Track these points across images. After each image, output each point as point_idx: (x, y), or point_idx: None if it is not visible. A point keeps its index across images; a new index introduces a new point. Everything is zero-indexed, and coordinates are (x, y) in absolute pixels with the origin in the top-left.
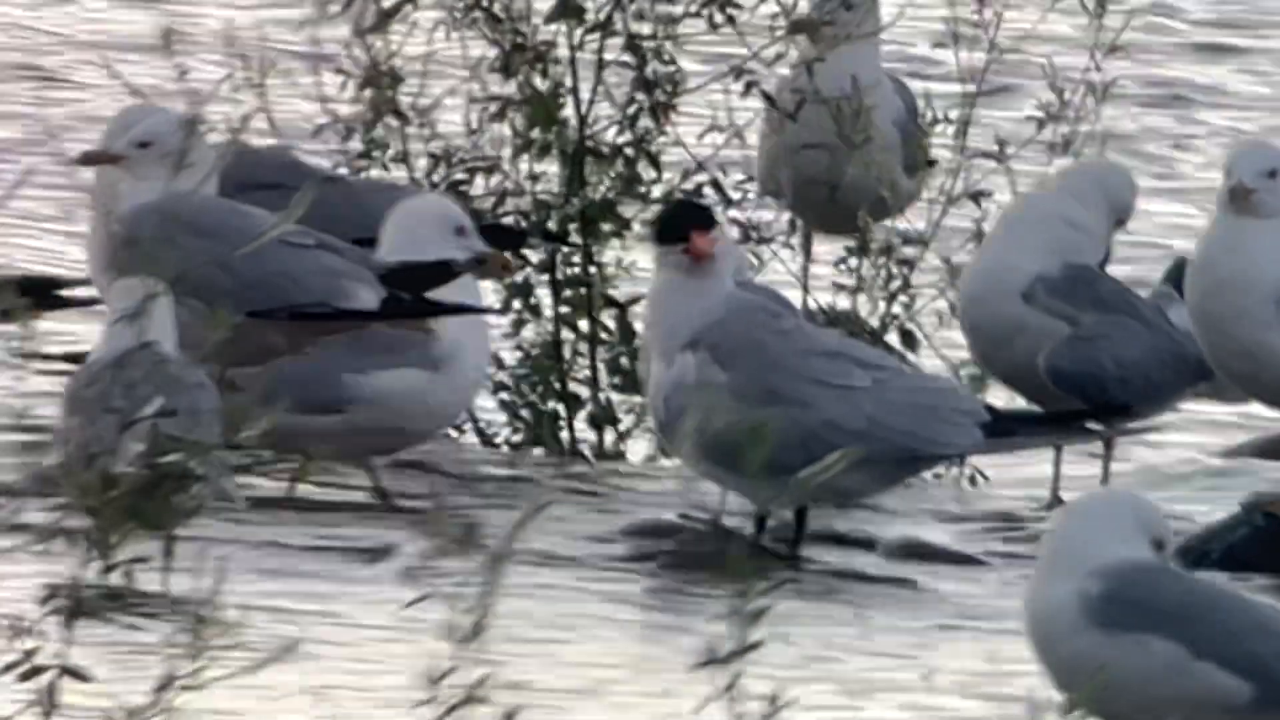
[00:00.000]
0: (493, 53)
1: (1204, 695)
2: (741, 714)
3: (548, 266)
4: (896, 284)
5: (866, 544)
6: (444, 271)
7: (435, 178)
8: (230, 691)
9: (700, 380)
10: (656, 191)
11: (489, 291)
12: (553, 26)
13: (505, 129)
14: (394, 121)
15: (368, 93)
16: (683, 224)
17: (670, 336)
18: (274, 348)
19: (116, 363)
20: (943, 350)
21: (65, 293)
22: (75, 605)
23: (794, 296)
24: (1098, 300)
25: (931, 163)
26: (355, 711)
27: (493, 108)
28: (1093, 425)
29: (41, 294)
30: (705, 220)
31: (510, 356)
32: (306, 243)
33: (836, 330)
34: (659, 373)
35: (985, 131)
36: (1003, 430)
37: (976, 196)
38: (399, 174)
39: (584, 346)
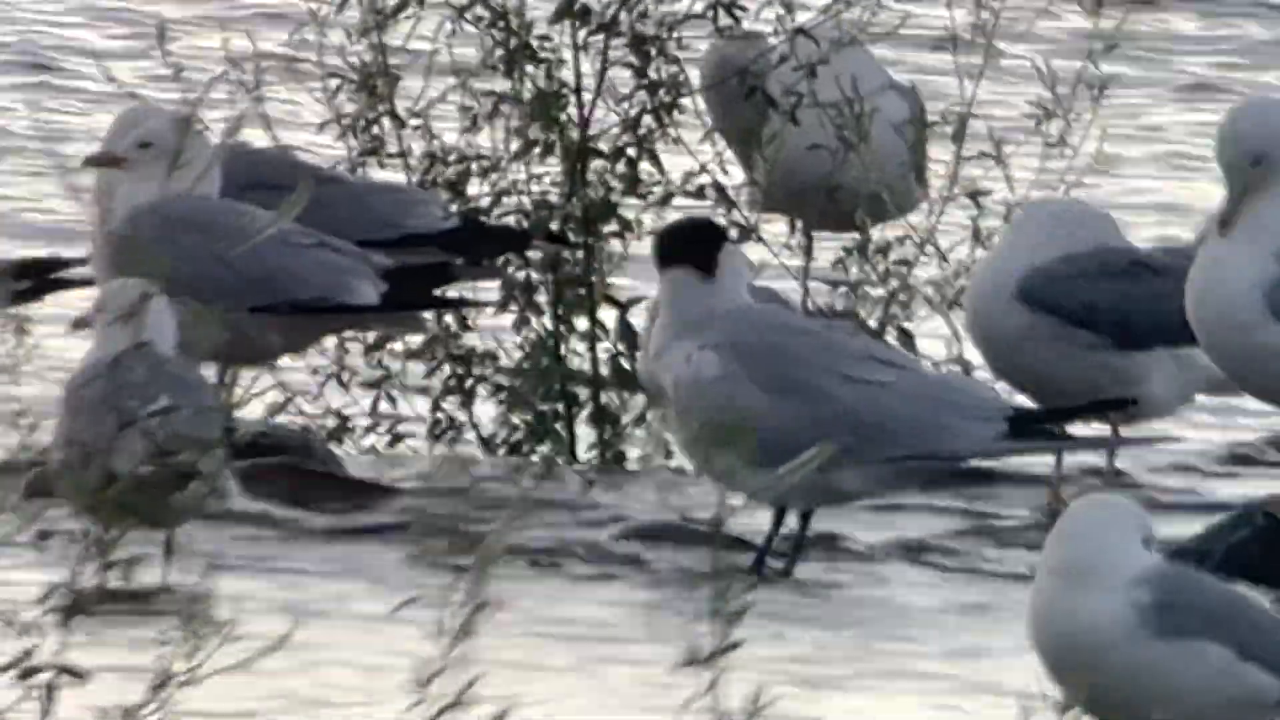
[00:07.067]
0: (489, 51)
1: (1246, 696)
2: (725, 713)
3: (550, 265)
4: (895, 284)
5: (864, 544)
6: (446, 271)
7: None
8: (223, 689)
9: (721, 374)
10: (658, 192)
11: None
12: (554, 26)
13: (501, 128)
14: (390, 124)
15: (365, 93)
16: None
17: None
18: (271, 346)
19: (114, 363)
20: (936, 350)
21: (65, 274)
22: (73, 604)
23: (794, 297)
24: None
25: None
26: (347, 713)
27: (488, 106)
28: (1107, 427)
29: (41, 276)
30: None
31: (510, 356)
32: (306, 241)
33: (856, 330)
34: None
35: (983, 129)
36: (1025, 431)
37: (975, 195)
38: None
39: (583, 346)
